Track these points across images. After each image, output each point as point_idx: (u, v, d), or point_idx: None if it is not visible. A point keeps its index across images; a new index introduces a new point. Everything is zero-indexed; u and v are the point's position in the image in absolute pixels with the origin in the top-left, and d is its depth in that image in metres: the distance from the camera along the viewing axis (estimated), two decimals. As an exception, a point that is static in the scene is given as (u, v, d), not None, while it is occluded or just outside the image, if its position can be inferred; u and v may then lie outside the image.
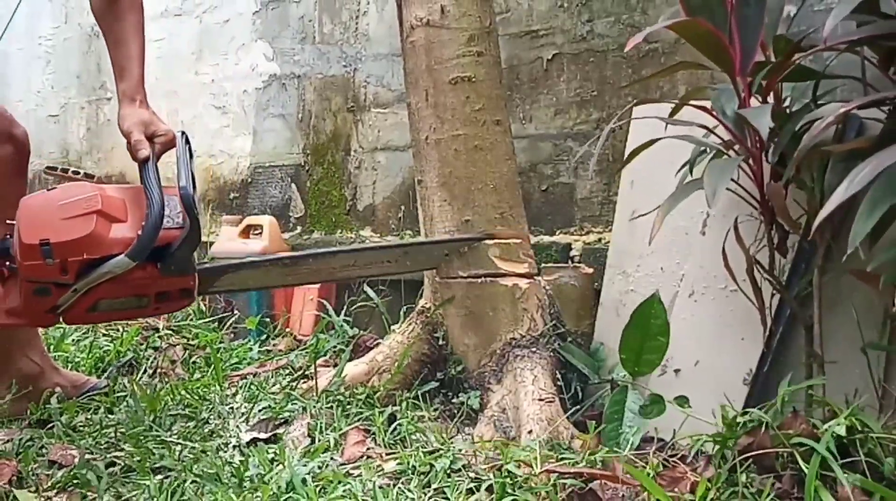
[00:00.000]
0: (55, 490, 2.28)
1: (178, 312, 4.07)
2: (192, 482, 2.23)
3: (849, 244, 1.67)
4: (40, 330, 3.05)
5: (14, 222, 2.18)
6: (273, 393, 2.96)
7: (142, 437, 2.58)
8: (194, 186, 2.24)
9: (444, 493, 2.10)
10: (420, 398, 2.77)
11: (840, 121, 2.15)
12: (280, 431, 2.61)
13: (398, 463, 2.29)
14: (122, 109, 2.45)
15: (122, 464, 2.41)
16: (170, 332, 3.86)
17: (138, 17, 2.59)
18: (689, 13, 2.20)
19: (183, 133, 2.35)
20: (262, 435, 2.57)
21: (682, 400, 2.41)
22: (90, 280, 2.14)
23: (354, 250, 2.79)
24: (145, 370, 3.38)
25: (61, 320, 2.28)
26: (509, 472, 2.11)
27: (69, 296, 2.18)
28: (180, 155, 2.30)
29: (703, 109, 2.29)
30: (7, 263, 2.25)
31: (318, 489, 2.11)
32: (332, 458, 2.39)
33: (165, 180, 2.25)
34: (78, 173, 2.68)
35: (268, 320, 3.95)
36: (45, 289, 2.17)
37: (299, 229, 4.57)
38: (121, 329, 3.82)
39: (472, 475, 2.16)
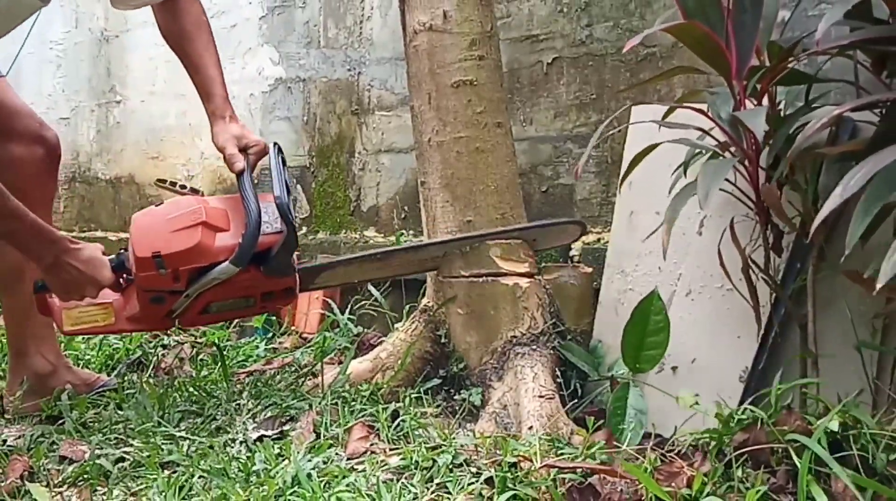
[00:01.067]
0: (66, 485, 2.29)
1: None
2: (200, 476, 2.24)
3: (846, 246, 1.67)
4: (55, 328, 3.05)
5: (128, 237, 2.40)
6: (279, 390, 2.96)
7: (151, 433, 2.59)
8: (289, 193, 2.38)
9: (447, 487, 2.10)
10: (423, 394, 2.77)
11: (833, 123, 2.15)
12: (286, 427, 2.61)
13: (401, 458, 2.29)
14: (214, 127, 2.56)
15: (132, 459, 2.41)
16: (178, 330, 3.86)
17: (208, 35, 2.69)
18: (687, 17, 2.21)
19: (276, 144, 2.49)
20: (269, 431, 2.57)
21: (691, 397, 2.40)
22: (200, 286, 2.34)
23: (444, 243, 2.81)
24: (154, 368, 3.38)
25: (177, 323, 2.53)
26: (510, 467, 2.11)
27: (182, 301, 2.39)
28: (273, 165, 2.43)
29: (700, 111, 2.29)
30: (124, 275, 2.46)
31: (323, 483, 2.11)
32: (336, 453, 2.39)
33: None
34: (185, 188, 2.82)
35: (274, 318, 3.95)
36: (160, 297, 2.40)
37: (304, 229, 4.57)
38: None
39: (474, 469, 2.17)
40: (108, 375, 3.21)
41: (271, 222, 2.36)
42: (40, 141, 2.84)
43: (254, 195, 2.33)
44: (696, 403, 2.38)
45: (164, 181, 2.96)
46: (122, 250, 2.48)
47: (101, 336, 3.67)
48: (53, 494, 2.22)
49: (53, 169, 2.88)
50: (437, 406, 2.75)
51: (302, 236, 4.51)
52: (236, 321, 3.93)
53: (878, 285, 1.58)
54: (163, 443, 2.51)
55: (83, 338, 3.67)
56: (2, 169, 2.77)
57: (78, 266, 2.38)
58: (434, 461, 2.23)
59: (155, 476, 2.24)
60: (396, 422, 2.57)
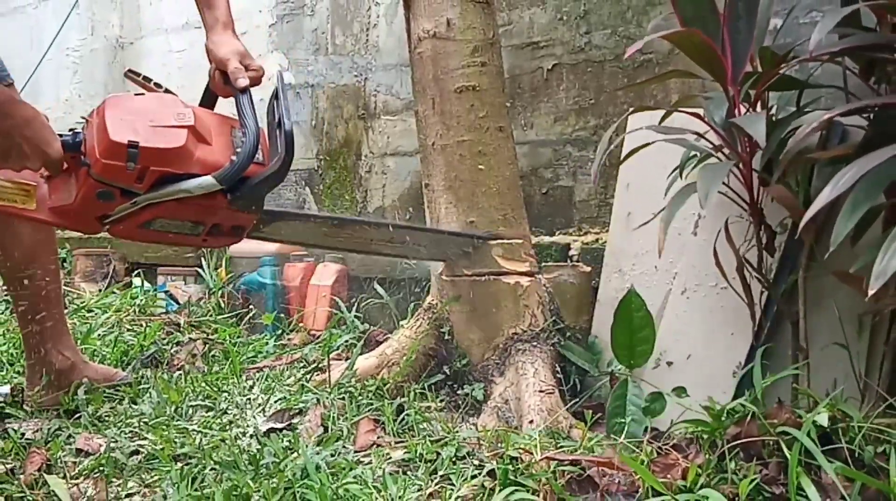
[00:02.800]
0: (82, 477, 2.30)
1: (199, 308, 4.09)
2: (212, 469, 2.24)
3: (831, 243, 1.68)
4: (70, 325, 3.05)
5: (89, 119, 2.00)
6: (288, 385, 2.96)
7: (164, 426, 2.59)
8: (291, 124, 2.07)
9: (450, 479, 2.10)
10: (427, 389, 2.78)
11: (824, 127, 2.16)
12: (295, 421, 2.62)
13: (406, 451, 2.30)
14: (215, 36, 2.30)
15: (146, 452, 2.42)
16: (191, 327, 3.87)
17: None
18: (684, 24, 2.21)
19: (281, 71, 2.17)
20: (278, 425, 2.58)
21: (681, 391, 2.42)
22: (161, 195, 1.97)
23: (397, 226, 2.71)
24: (167, 364, 3.38)
25: (107, 229, 2.08)
26: (511, 459, 2.11)
27: (127, 207, 1.99)
28: (280, 93, 2.13)
29: (696, 115, 2.30)
30: (79, 157, 1.99)
31: (330, 475, 2.12)
32: (344, 446, 2.39)
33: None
34: (160, 86, 2.46)
35: (283, 316, 3.95)
36: (109, 194, 1.97)
37: (313, 229, 4.58)
38: (144, 325, 3.83)
39: (477, 462, 2.17)
40: (123, 370, 3.21)
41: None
42: None
43: (254, 116, 2.07)
44: (686, 394, 2.39)
45: (137, 73, 2.56)
46: (76, 130, 2.03)
47: (116, 333, 3.68)
48: (70, 485, 2.23)
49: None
50: (441, 401, 2.76)
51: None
52: (248, 318, 3.93)
53: (871, 292, 1.59)
54: (176, 436, 2.51)
55: (99, 335, 3.67)
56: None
57: (26, 132, 1.96)
58: (438, 453, 2.24)
59: (168, 469, 2.25)
60: (401, 416, 2.58)
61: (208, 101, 2.29)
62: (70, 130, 2.03)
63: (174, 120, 1.97)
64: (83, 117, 2.02)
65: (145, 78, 2.43)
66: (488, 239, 2.76)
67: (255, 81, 2.23)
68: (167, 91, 2.30)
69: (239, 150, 2.00)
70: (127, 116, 1.94)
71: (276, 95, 2.12)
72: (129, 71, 2.51)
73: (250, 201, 2.06)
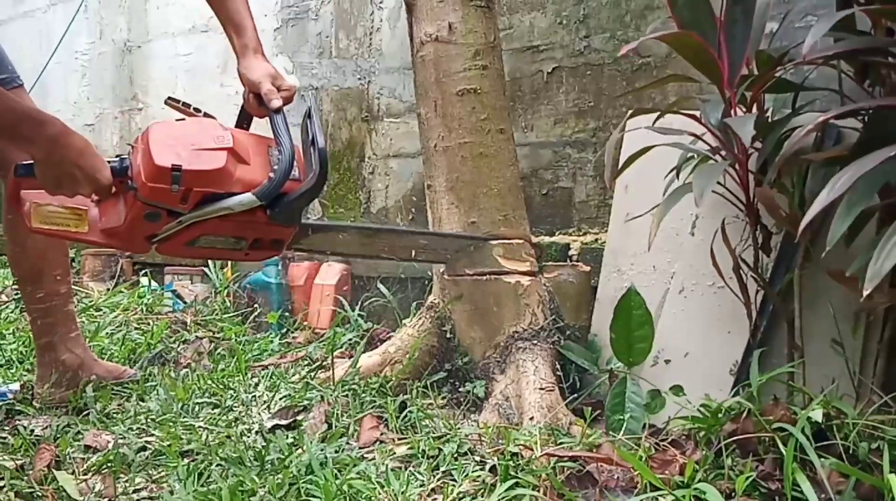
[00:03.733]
0: (91, 473, 2.30)
1: (206, 307, 4.09)
2: (218, 465, 2.25)
3: (827, 244, 1.68)
4: (79, 323, 3.06)
5: (135, 145, 2.09)
6: (293, 383, 2.97)
7: (171, 423, 2.60)
8: (326, 142, 2.13)
9: (452, 475, 2.11)
10: (429, 387, 2.78)
11: (819, 129, 2.16)
12: (299, 418, 2.62)
13: (409, 447, 2.30)
14: (246, 61, 2.36)
15: (153, 448, 2.42)
16: (197, 326, 3.87)
17: None
18: (682, 28, 2.22)
19: (314, 93, 2.26)
20: (283, 422, 2.58)
21: (678, 389, 2.42)
22: (204, 213, 2.06)
23: (427, 233, 2.76)
24: (174, 361, 3.39)
25: (155, 247, 2.17)
26: (512, 455, 2.11)
27: (173, 226, 2.09)
28: (313, 112, 2.19)
29: (693, 117, 2.30)
30: (126, 181, 2.09)
31: (335, 471, 2.12)
32: (347, 443, 2.40)
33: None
34: (199, 111, 2.52)
35: (288, 314, 3.96)
36: (156, 215, 2.07)
37: (317, 230, 4.58)
38: (151, 323, 3.84)
39: (478, 458, 2.17)
40: (131, 368, 3.22)
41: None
42: None
43: (289, 135, 2.13)
44: (683, 393, 2.40)
45: (177, 100, 2.64)
46: (123, 156, 2.12)
47: (124, 331, 3.69)
48: (79, 481, 2.23)
49: None
50: (443, 398, 2.76)
51: (314, 237, 4.52)
52: (253, 316, 3.94)
53: (865, 292, 1.59)
54: (182, 433, 2.52)
55: (107, 333, 3.68)
56: (8, 176, 2.78)
57: (77, 160, 2.04)
58: (440, 450, 2.24)
59: (175, 465, 2.25)
60: (404, 413, 2.58)
61: (244, 122, 2.35)
62: (117, 156, 2.11)
63: (214, 142, 2.05)
64: (129, 144, 2.10)
65: (185, 104, 2.54)
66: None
67: (288, 100, 2.27)
68: (206, 115, 2.40)
69: (276, 167, 2.07)
70: (170, 141, 2.03)
71: (308, 114, 2.17)
72: (169, 98, 2.62)
73: (288, 215, 2.12)
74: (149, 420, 2.65)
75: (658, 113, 2.35)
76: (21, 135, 2.06)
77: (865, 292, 1.59)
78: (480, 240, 2.78)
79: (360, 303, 3.72)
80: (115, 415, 2.74)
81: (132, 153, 2.10)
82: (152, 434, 2.55)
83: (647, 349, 2.56)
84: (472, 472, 2.09)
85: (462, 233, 2.81)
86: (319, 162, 2.07)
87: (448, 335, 2.85)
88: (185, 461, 2.29)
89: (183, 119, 2.19)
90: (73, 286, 3.04)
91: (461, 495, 1.99)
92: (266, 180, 2.05)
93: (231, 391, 2.91)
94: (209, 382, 2.99)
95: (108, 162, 2.09)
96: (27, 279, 2.85)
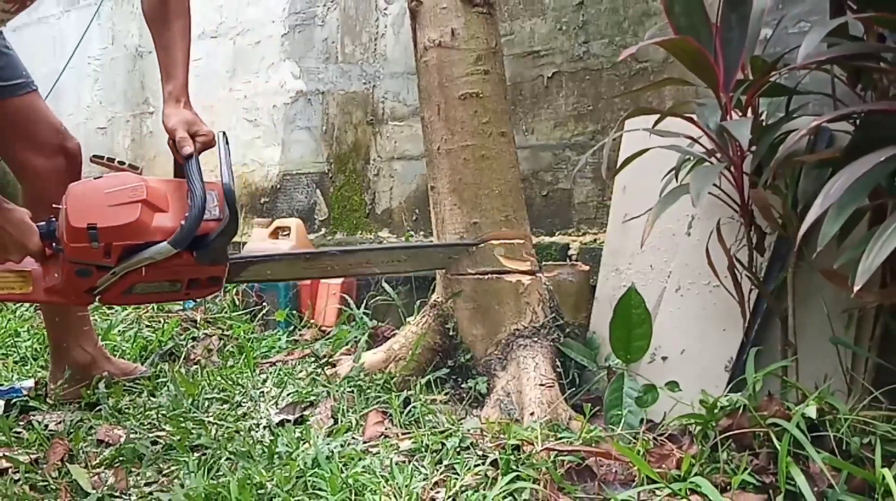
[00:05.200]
0: (103, 466, 2.31)
1: (215, 305, 4.10)
2: (227, 458, 2.25)
3: (819, 243, 1.68)
4: (91, 321, 3.06)
5: (60, 206, 2.12)
6: (300, 379, 2.97)
7: (181, 418, 2.60)
8: (233, 182, 2.19)
9: (454, 469, 2.11)
10: (432, 383, 2.78)
11: (812, 133, 2.16)
12: (306, 413, 2.63)
13: (413, 442, 2.30)
14: (167, 108, 2.37)
15: (164, 443, 2.43)
16: (206, 323, 3.87)
17: (185, 23, 2.51)
18: (678, 34, 2.22)
19: (223, 133, 2.26)
20: (290, 417, 2.59)
21: (673, 385, 2.42)
22: (130, 264, 2.08)
23: (366, 250, 2.77)
24: (184, 358, 3.39)
25: (97, 300, 2.24)
26: (513, 449, 2.12)
27: (107, 278, 2.12)
28: (222, 153, 2.24)
29: (690, 120, 2.30)
30: (52, 244, 2.17)
31: (340, 465, 2.12)
32: (353, 437, 2.40)
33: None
34: (123, 164, 2.58)
35: (295, 312, 3.96)
36: (86, 271, 2.13)
37: (323, 230, 4.58)
38: (162, 321, 3.84)
39: (480, 452, 2.17)
40: (142, 364, 3.22)
41: (211, 209, 2.13)
42: (62, 152, 2.81)
43: (200, 180, 2.12)
44: (678, 388, 2.40)
45: (101, 157, 2.70)
46: (51, 218, 2.18)
47: (135, 329, 3.70)
48: (91, 474, 2.23)
49: (75, 178, 2.85)
50: (446, 394, 2.76)
51: (321, 237, 4.53)
52: (261, 314, 3.94)
53: (856, 288, 1.59)
54: (192, 428, 2.52)
55: (119, 331, 3.69)
56: (25, 179, 2.79)
57: (7, 228, 2.12)
58: (443, 444, 2.24)
59: (185, 458, 2.26)
60: (408, 408, 2.58)
61: (178, 166, 2.34)
62: (45, 220, 2.17)
63: (128, 196, 2.06)
64: (55, 205, 2.12)
65: (108, 159, 2.60)
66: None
67: (206, 146, 2.31)
68: (132, 166, 2.44)
69: (187, 214, 2.08)
70: (85, 201, 2.07)
71: (219, 155, 2.23)
72: (94, 156, 2.66)
73: (213, 255, 2.16)
74: (160, 416, 2.66)
75: (656, 115, 2.35)
76: None
77: (856, 288, 1.59)
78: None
79: (365, 302, 3.72)
80: (126, 410, 2.75)
81: (58, 215, 2.15)
82: (163, 429, 2.55)
83: (645, 347, 2.56)
84: (475, 466, 2.09)
85: (396, 245, 2.81)
86: (227, 202, 2.12)
87: (451, 333, 2.86)
88: (195, 455, 2.30)
89: (100, 176, 2.21)
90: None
91: (463, 488, 1.99)
92: (178, 228, 2.07)
93: (240, 387, 2.91)
94: (218, 378, 3.00)
95: (38, 226, 2.16)
96: None
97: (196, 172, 2.15)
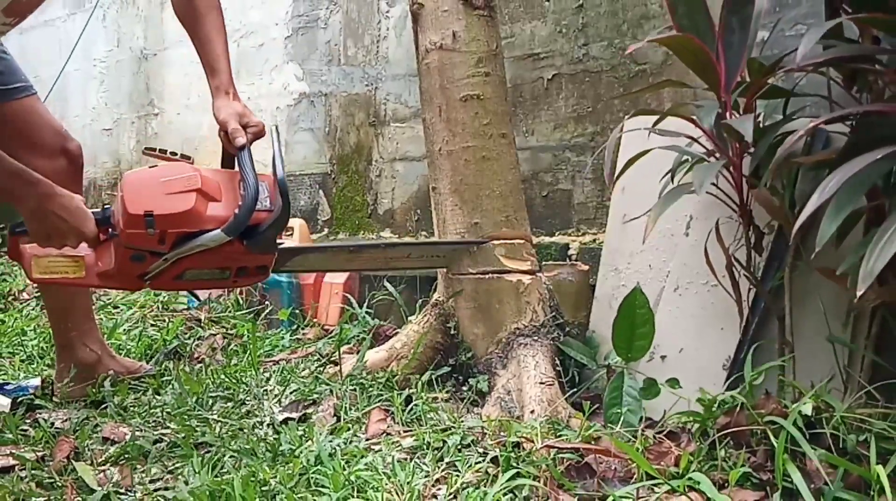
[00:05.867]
0: (108, 464, 2.31)
1: (219, 305, 4.10)
2: (231, 456, 2.25)
3: (817, 243, 1.68)
4: (97, 320, 3.06)
5: (116, 194, 2.18)
6: (303, 377, 2.97)
7: (186, 416, 2.60)
8: (284, 174, 2.21)
9: (456, 466, 2.11)
10: (434, 381, 2.78)
11: (809, 134, 2.16)
12: (309, 411, 2.63)
13: (414, 440, 2.30)
14: (217, 101, 2.40)
15: (168, 440, 2.43)
16: (211, 322, 3.88)
17: (218, 16, 2.51)
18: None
19: (276, 127, 2.27)
20: (293, 415, 2.58)
21: (674, 382, 2.42)
22: (183, 251, 2.13)
23: (406, 244, 2.78)
24: (189, 357, 3.39)
25: (148, 285, 2.29)
26: (514, 447, 2.12)
27: (159, 264, 2.18)
28: (275, 146, 2.24)
29: (689, 120, 2.30)
30: (108, 230, 2.23)
31: (343, 462, 2.12)
32: (355, 435, 2.40)
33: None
34: (175, 154, 2.61)
35: (298, 311, 3.96)
36: (140, 256, 2.17)
37: (326, 230, 4.59)
38: (167, 320, 3.84)
39: (481, 449, 2.17)
40: (147, 363, 3.22)
41: (262, 200, 2.17)
42: (63, 153, 2.81)
43: (253, 171, 2.17)
44: (679, 385, 2.40)
45: (153, 149, 2.73)
46: (106, 206, 2.26)
47: (140, 328, 3.70)
48: (97, 472, 2.23)
49: (77, 179, 2.86)
50: (447, 392, 2.76)
51: (324, 237, 4.53)
52: (265, 313, 3.94)
53: (859, 293, 1.60)
54: (197, 426, 2.52)
55: (124, 330, 3.69)
56: None
57: (63, 215, 2.18)
58: (444, 442, 2.24)
59: (190, 456, 2.26)
60: (410, 406, 2.58)
61: (228, 157, 2.39)
62: (102, 207, 2.25)
63: (183, 185, 2.11)
64: (112, 193, 2.17)
65: (161, 150, 2.62)
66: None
67: (257, 135, 2.34)
68: (183, 157, 2.46)
69: (240, 204, 2.13)
70: (142, 189, 2.13)
71: (273, 147, 2.24)
72: (146, 148, 2.69)
73: (263, 244, 2.19)
74: (164, 413, 2.66)
75: (655, 116, 2.35)
76: (12, 194, 2.20)
77: (859, 293, 1.59)
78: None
79: (367, 301, 3.72)
80: (131, 408, 2.75)
81: (113, 202, 2.22)
82: (168, 427, 2.55)
83: (647, 346, 2.55)
84: (475, 463, 2.09)
85: (448, 240, 2.83)
86: (280, 193, 2.14)
87: (452, 332, 2.86)
88: (200, 452, 2.30)
89: (155, 165, 2.25)
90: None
91: (464, 485, 1.99)
92: (232, 217, 2.11)
93: (244, 386, 2.91)
94: (222, 376, 3.00)
95: (94, 213, 2.23)
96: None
97: (249, 163, 2.19)
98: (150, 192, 2.11)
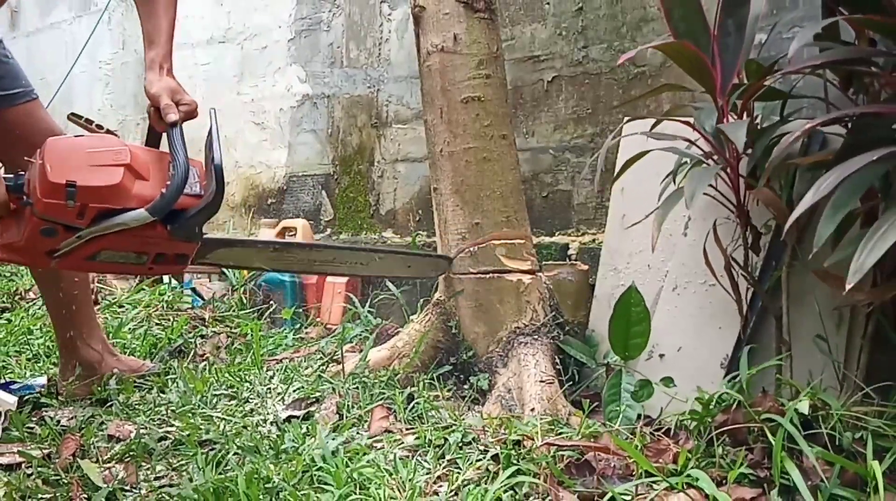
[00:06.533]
0: (114, 461, 2.30)
1: (223, 304, 4.10)
2: (235, 453, 2.25)
3: (814, 244, 1.69)
4: (99, 319, 3.06)
5: (33, 160, 1.98)
6: (306, 376, 2.97)
7: (190, 414, 2.60)
8: (222, 160, 2.03)
9: (457, 463, 2.11)
10: (435, 379, 2.78)
11: (806, 136, 2.16)
12: (312, 409, 2.63)
13: (416, 437, 2.31)
14: (150, 75, 2.29)
15: (173, 438, 2.43)
16: (215, 321, 3.88)
17: None
18: (678, 38, 2.22)
19: (214, 110, 2.14)
20: (297, 413, 2.59)
21: (668, 381, 2.43)
22: (101, 228, 1.96)
23: (328, 247, 2.72)
24: (193, 355, 3.39)
25: (55, 263, 2.06)
26: (514, 444, 2.12)
27: (72, 241, 1.98)
28: (213, 130, 2.08)
29: (687, 123, 2.30)
30: (21, 198, 1.99)
31: (346, 459, 2.12)
32: (358, 432, 2.40)
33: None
34: (101, 127, 2.47)
35: (301, 311, 3.96)
36: (53, 230, 1.97)
37: (329, 230, 4.59)
38: (172, 319, 3.84)
39: (482, 447, 2.18)
40: (151, 361, 3.22)
41: (192, 184, 2.01)
42: None
43: (184, 150, 2.02)
44: (673, 384, 2.41)
45: (79, 117, 2.55)
46: (20, 172, 2.03)
47: (145, 327, 3.70)
48: (102, 469, 2.23)
49: None
50: (449, 390, 2.76)
51: (326, 237, 4.53)
52: (268, 313, 3.94)
53: (848, 286, 1.60)
54: (201, 423, 2.53)
55: (129, 329, 3.69)
56: None
57: None
58: (445, 439, 2.25)
59: (194, 453, 2.26)
60: (412, 404, 2.58)
61: (154, 135, 2.26)
62: (14, 173, 2.03)
63: (111, 159, 1.96)
64: (27, 159, 2.00)
65: (87, 120, 2.43)
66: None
67: (189, 115, 2.21)
68: (108, 131, 2.29)
69: (168, 183, 1.98)
70: (66, 157, 1.94)
71: (209, 132, 2.08)
72: (72, 114, 2.50)
73: (188, 231, 2.05)
74: (169, 411, 2.66)
75: (654, 119, 2.35)
76: None
77: (849, 286, 1.59)
78: (380, 252, 2.80)
79: (369, 300, 3.73)
80: (136, 406, 2.75)
81: (29, 169, 2.02)
82: (172, 425, 2.55)
83: (644, 344, 2.56)
84: (476, 460, 2.10)
85: (361, 247, 2.78)
86: (216, 178, 1.98)
87: (453, 331, 2.86)
88: (204, 449, 2.30)
89: (82, 135, 2.09)
90: (96, 284, 3.04)
91: (465, 482, 2.00)
92: (158, 196, 1.96)
93: (247, 384, 2.91)
94: (226, 375, 3.00)
95: (4, 179, 2.02)
96: (48, 279, 2.86)
97: (180, 142, 2.07)
98: (75, 161, 1.94)
